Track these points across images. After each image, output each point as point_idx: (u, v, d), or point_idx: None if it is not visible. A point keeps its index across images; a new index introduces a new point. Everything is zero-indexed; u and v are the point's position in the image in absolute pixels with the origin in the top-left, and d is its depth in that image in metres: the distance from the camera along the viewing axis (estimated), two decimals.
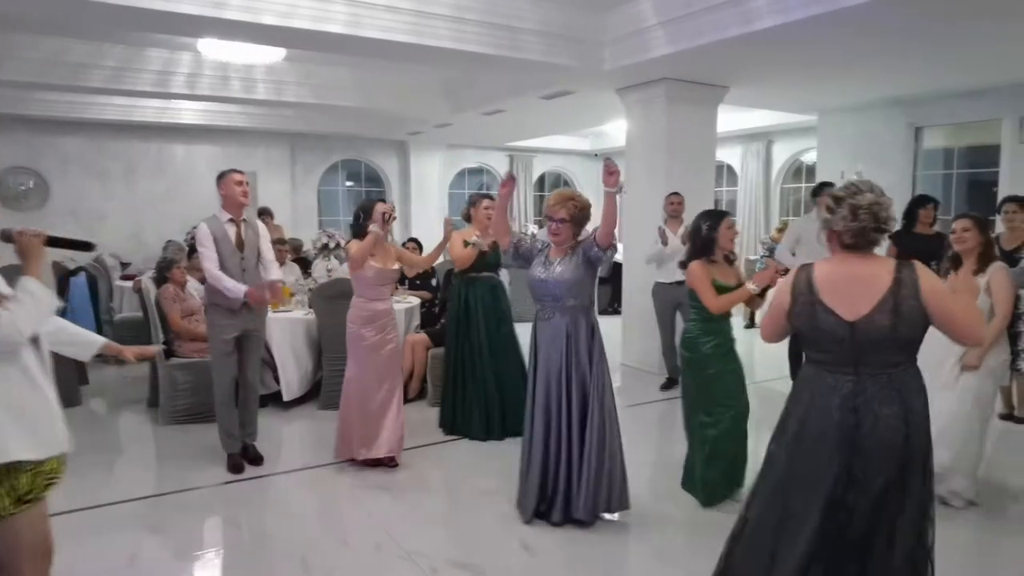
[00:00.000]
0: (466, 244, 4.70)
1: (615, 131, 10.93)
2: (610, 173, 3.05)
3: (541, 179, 13.72)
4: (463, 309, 4.74)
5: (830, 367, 2.19)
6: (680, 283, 5.53)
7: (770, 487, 2.30)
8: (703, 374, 3.59)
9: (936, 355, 3.38)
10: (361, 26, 4.98)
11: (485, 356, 4.68)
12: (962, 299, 2.18)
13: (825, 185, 5.66)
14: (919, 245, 5.16)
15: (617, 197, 3.12)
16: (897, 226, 4.42)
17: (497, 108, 8.28)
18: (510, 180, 3.45)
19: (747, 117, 9.43)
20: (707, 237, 3.56)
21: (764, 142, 10.44)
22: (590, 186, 13.44)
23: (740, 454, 3.66)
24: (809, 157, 9.79)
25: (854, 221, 2.13)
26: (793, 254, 5.41)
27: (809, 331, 2.21)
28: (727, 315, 3.60)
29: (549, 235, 3.43)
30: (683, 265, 3.70)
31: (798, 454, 2.22)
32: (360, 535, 3.36)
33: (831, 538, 2.14)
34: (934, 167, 7.82)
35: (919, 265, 2.12)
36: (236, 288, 3.87)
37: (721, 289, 3.49)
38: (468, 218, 4.91)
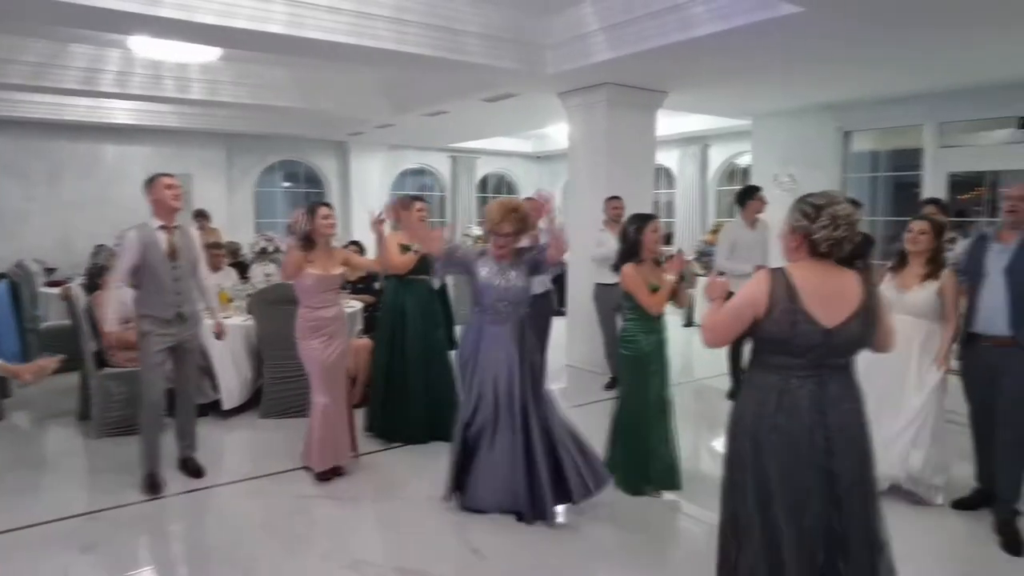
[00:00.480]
0: (404, 249, 4.58)
1: (557, 134, 11.05)
2: (543, 203, 3.23)
3: (484, 181, 13.73)
4: (399, 313, 4.63)
5: (797, 371, 2.21)
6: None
7: (753, 505, 2.25)
8: (643, 371, 3.71)
9: (897, 363, 3.58)
10: (302, 27, 4.88)
11: (419, 360, 4.59)
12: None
13: (752, 189, 5.90)
14: None
15: (558, 220, 3.24)
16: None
17: (439, 110, 8.25)
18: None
19: (685, 121, 9.65)
20: (633, 240, 3.72)
21: (701, 145, 10.70)
22: (531, 187, 13.55)
23: (655, 445, 3.74)
24: (744, 160, 10.08)
25: (835, 231, 2.17)
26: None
27: (784, 338, 2.19)
28: (662, 314, 3.75)
29: (495, 248, 3.48)
30: (615, 268, 3.83)
31: (775, 465, 2.20)
32: (305, 545, 3.30)
33: (826, 539, 2.19)
34: (862, 170, 8.16)
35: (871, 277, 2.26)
36: (110, 321, 3.92)
37: (655, 289, 3.67)
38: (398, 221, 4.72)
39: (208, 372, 5.05)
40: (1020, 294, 3.28)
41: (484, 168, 13.49)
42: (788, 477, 2.19)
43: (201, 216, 8.37)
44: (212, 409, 5.09)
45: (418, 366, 4.60)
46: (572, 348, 6.98)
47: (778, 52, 5.42)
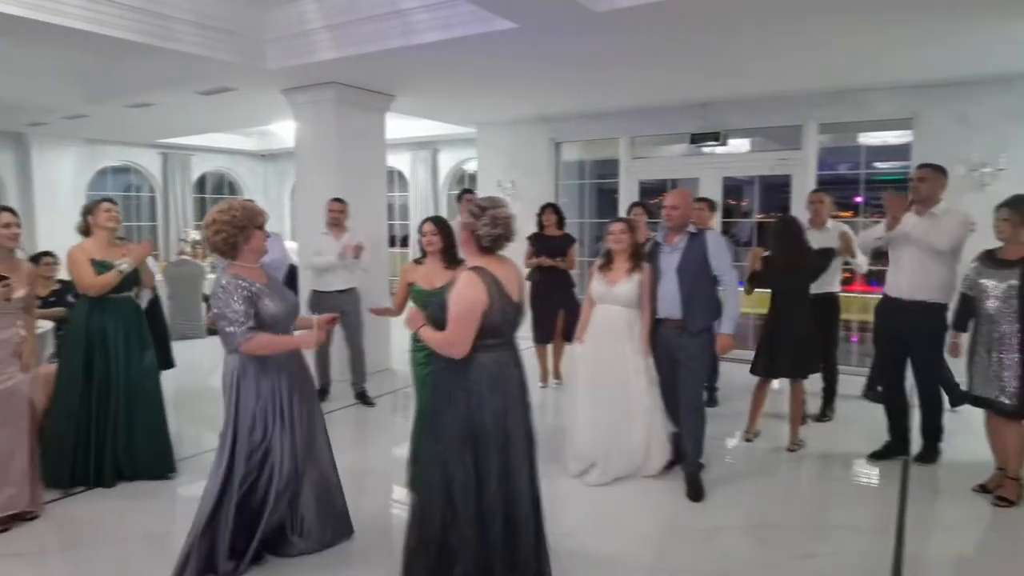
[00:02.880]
0: (98, 267, 3.92)
1: (283, 132, 10.56)
2: None
3: (202, 180, 12.63)
4: (98, 337, 3.97)
5: (504, 346, 2.68)
6: (342, 291, 5.61)
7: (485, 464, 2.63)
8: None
9: (613, 346, 4.11)
10: None
11: (123, 391, 4.00)
12: None
13: (466, 191, 6.29)
14: (550, 245, 6.09)
15: None
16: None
17: (145, 101, 7.42)
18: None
19: (416, 125, 9.83)
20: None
21: (431, 150, 11.00)
22: (256, 188, 12.81)
23: None
24: (471, 166, 10.57)
25: (495, 228, 2.61)
26: None
27: (500, 322, 2.61)
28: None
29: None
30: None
31: (509, 426, 2.65)
32: None
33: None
34: (571, 177, 9.03)
35: None
36: None
37: (421, 293, 3.69)
38: (86, 230, 4.05)
39: None
40: (688, 288, 3.95)
41: (201, 166, 12.39)
42: (514, 433, 2.67)
43: None
44: None
45: (122, 397, 4.00)
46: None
47: (495, 65, 5.77)
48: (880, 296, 4.62)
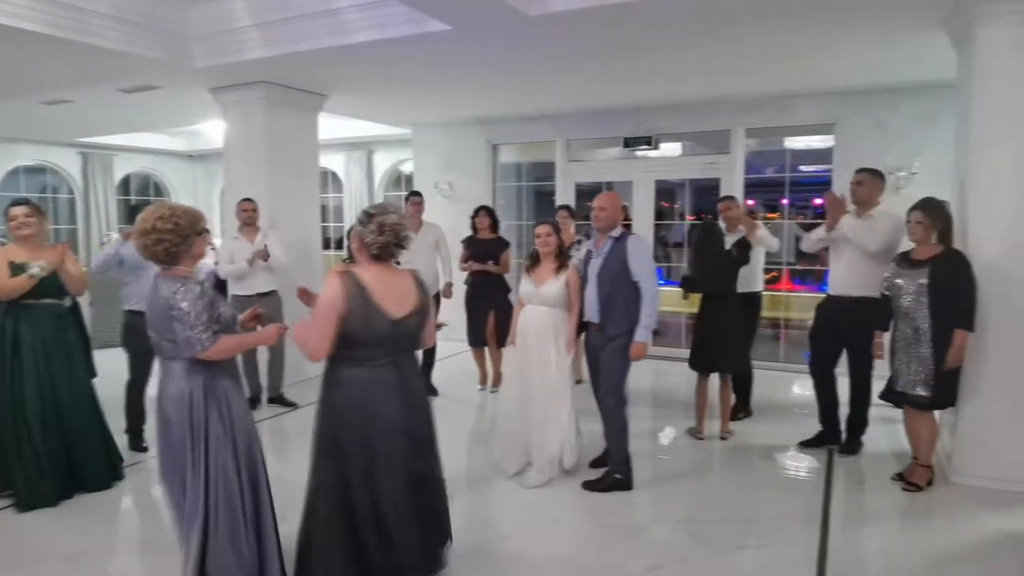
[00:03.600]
0: (16, 270, 3.71)
1: (212, 131, 10.24)
2: None
3: (126, 181, 12.12)
4: (12, 345, 3.76)
5: (378, 364, 2.62)
6: (263, 295, 5.46)
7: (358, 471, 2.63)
8: None
9: (540, 345, 4.13)
10: None
11: (40, 402, 3.79)
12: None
13: (414, 194, 6.24)
14: (484, 247, 6.08)
15: None
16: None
17: (62, 98, 7.07)
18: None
19: (350, 126, 9.66)
20: None
21: (366, 151, 10.85)
22: (184, 189, 12.40)
23: None
24: (407, 167, 10.48)
25: (380, 235, 2.56)
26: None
27: (364, 334, 2.54)
28: None
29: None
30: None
31: (376, 434, 2.62)
32: None
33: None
34: (509, 179, 9.05)
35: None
36: None
37: None
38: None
39: None
40: (606, 292, 4.00)
41: (125, 167, 11.89)
42: (385, 440, 2.63)
43: None
44: None
45: (40, 409, 3.78)
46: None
47: (430, 66, 5.73)
48: (805, 294, 4.85)
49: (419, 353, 2.97)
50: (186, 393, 2.62)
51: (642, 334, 3.93)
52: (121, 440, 4.72)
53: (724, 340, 4.79)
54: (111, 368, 4.64)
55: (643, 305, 3.91)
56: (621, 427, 4.05)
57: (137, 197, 12.22)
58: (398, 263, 2.78)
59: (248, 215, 5.61)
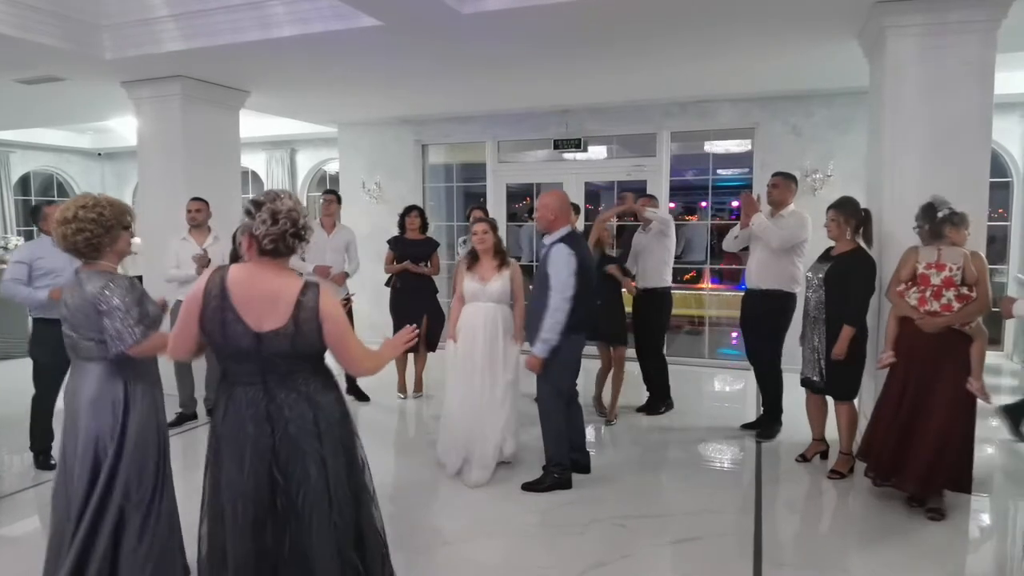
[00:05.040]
0: None
1: (123, 128, 9.73)
2: None
3: (25, 180, 11.35)
4: None
5: (242, 378, 2.20)
6: None
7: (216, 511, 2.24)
8: None
9: (486, 341, 4.20)
10: None
11: None
12: (353, 333, 2.29)
13: (327, 192, 6.13)
14: (413, 248, 6.01)
15: None
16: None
17: None
18: None
19: (270, 124, 9.37)
20: None
21: (288, 150, 10.54)
22: (91, 189, 11.62)
23: None
24: (332, 167, 10.23)
25: (274, 225, 2.15)
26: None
27: (216, 336, 2.16)
28: None
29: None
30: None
31: (225, 467, 2.20)
32: None
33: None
34: (438, 180, 8.96)
35: (323, 288, 2.22)
36: None
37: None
38: None
39: None
40: (534, 297, 3.98)
41: (25, 165, 11.14)
42: (231, 484, 2.17)
43: None
44: None
45: None
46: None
47: (358, 63, 5.60)
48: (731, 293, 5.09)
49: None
50: (105, 397, 2.49)
51: (537, 347, 3.86)
52: (26, 459, 4.41)
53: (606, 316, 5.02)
54: (12, 381, 4.31)
55: (545, 315, 3.82)
56: (558, 428, 4.04)
57: (39, 197, 11.46)
58: (304, 259, 2.53)
59: (192, 216, 5.28)
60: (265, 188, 10.70)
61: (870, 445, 3.89)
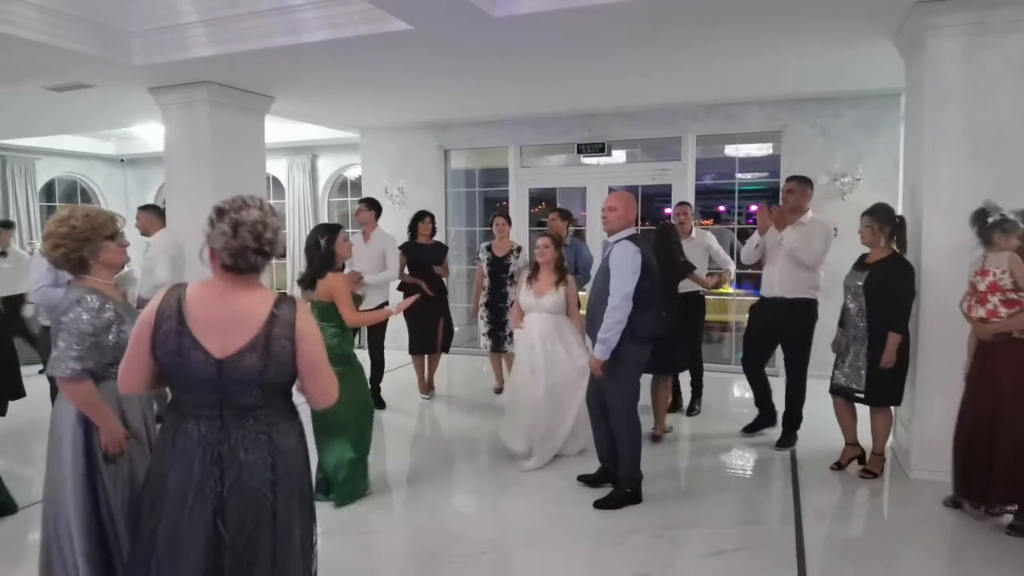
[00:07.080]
0: None
1: (147, 134, 9.76)
2: None
3: (50, 187, 11.44)
4: None
5: (196, 409, 1.92)
6: None
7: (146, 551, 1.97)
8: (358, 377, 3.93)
9: (546, 347, 4.42)
10: None
11: None
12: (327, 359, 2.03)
13: (361, 201, 6.10)
14: (423, 254, 6.06)
15: None
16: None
17: None
18: None
19: (292, 129, 9.38)
20: (327, 251, 3.83)
21: (309, 156, 10.55)
22: (114, 195, 11.79)
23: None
24: (353, 172, 10.24)
25: (234, 239, 1.88)
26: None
27: (167, 359, 1.89)
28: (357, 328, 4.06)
29: None
30: (305, 283, 3.87)
31: (164, 511, 1.92)
32: None
33: None
34: (460, 185, 8.94)
35: (300, 304, 1.98)
36: None
37: (356, 299, 3.91)
38: None
39: None
40: (594, 299, 3.91)
41: (49, 172, 11.23)
42: (172, 533, 1.90)
43: None
44: None
45: None
46: None
47: (386, 68, 5.59)
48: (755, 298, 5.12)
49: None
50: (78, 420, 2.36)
51: (597, 349, 3.75)
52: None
53: (662, 342, 4.80)
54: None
55: (605, 317, 3.71)
56: (634, 438, 3.89)
57: (63, 204, 11.53)
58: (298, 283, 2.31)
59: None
60: (286, 194, 10.74)
61: (963, 469, 3.65)
